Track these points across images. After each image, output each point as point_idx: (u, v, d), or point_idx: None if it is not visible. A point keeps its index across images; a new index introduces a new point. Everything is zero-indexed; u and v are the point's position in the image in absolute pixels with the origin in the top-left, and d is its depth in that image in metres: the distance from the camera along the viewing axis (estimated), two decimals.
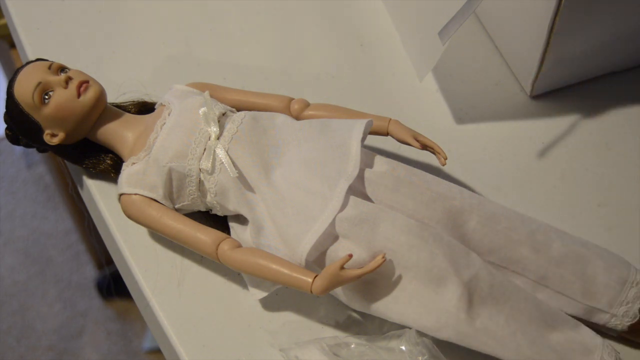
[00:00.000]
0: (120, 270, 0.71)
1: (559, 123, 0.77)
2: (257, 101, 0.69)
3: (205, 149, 0.63)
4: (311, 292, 0.58)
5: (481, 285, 0.59)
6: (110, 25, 0.83)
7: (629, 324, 0.63)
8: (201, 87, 0.69)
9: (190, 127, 0.64)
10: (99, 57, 0.80)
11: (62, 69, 0.67)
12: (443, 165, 0.64)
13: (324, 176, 0.61)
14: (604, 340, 0.61)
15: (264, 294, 0.64)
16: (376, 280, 0.60)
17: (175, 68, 0.80)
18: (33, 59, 0.72)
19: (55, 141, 0.66)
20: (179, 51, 0.81)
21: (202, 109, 0.64)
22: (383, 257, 0.58)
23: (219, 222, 0.67)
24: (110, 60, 0.80)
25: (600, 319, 0.63)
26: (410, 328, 0.60)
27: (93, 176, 0.72)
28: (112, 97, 0.72)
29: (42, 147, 0.69)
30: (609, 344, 0.61)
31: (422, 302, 0.59)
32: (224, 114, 0.65)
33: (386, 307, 0.60)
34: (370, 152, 0.64)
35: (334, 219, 0.59)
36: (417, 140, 0.65)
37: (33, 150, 0.76)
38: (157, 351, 1.48)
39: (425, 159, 0.74)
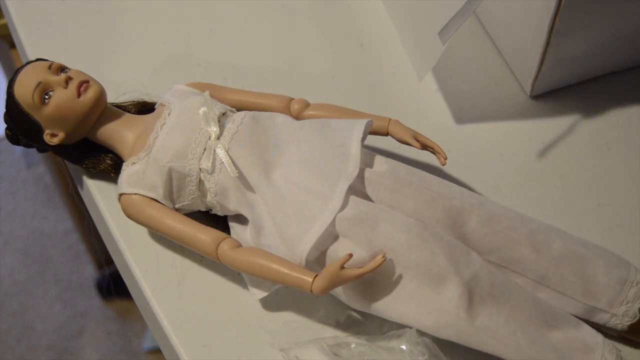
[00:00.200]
0: (120, 270, 0.71)
1: (559, 123, 0.77)
2: (257, 101, 0.69)
3: (205, 149, 0.63)
4: (311, 291, 0.58)
5: (481, 284, 0.59)
6: (110, 25, 0.83)
7: (629, 323, 0.63)
8: (201, 87, 0.69)
9: (190, 127, 0.64)
10: (99, 57, 0.80)
11: (62, 69, 0.67)
12: (443, 165, 0.64)
13: (324, 176, 0.61)
14: (605, 339, 0.61)
15: (264, 294, 0.64)
16: (376, 280, 0.60)
17: (175, 68, 0.80)
18: (33, 59, 0.72)
19: (55, 141, 0.66)
20: (179, 51, 0.81)
21: (202, 109, 0.64)
22: (383, 257, 0.58)
23: (219, 222, 0.67)
24: (110, 60, 0.80)
25: (601, 318, 0.63)
26: (410, 327, 0.60)
27: (93, 176, 0.72)
28: (112, 97, 0.72)
29: (42, 147, 0.69)
30: (610, 343, 0.61)
31: (422, 302, 0.59)
32: (224, 114, 0.65)
33: (386, 306, 0.60)
34: (370, 152, 0.64)
35: (334, 219, 0.59)
36: (417, 140, 0.65)
37: (33, 150, 0.76)
38: (157, 351, 1.48)
39: (425, 159, 0.74)
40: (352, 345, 0.61)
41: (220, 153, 0.62)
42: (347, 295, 0.61)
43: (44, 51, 0.80)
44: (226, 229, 0.66)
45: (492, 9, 0.80)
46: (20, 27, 0.83)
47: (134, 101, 0.72)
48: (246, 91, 0.70)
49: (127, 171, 0.65)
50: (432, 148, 0.65)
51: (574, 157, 0.75)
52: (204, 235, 0.63)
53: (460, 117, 0.78)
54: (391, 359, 0.60)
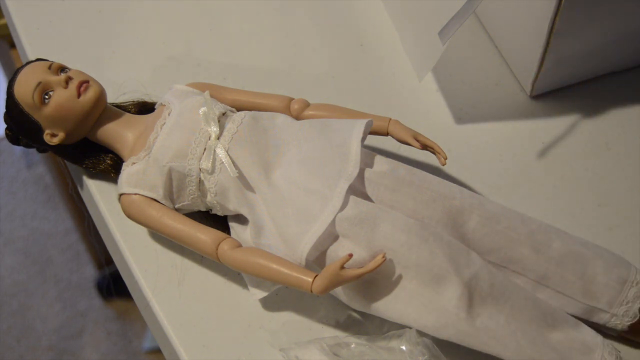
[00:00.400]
0: (120, 270, 0.71)
1: (559, 123, 0.77)
2: (257, 101, 0.69)
3: (205, 149, 0.63)
4: (311, 291, 0.58)
5: (481, 284, 0.59)
6: (110, 25, 0.83)
7: (629, 323, 0.63)
8: (201, 87, 0.69)
9: (190, 127, 0.64)
10: (99, 57, 0.80)
11: (62, 68, 0.67)
12: (443, 165, 0.64)
13: (324, 176, 0.61)
14: (604, 339, 0.61)
15: (264, 294, 0.64)
16: (376, 280, 0.60)
17: (175, 68, 0.80)
18: (33, 59, 0.72)
19: (55, 141, 0.66)
20: (179, 51, 0.81)
21: (202, 109, 0.64)
22: (383, 257, 0.58)
23: (219, 222, 0.67)
24: (110, 60, 0.81)
25: (601, 318, 0.63)
26: (410, 328, 0.60)
27: (93, 176, 0.72)
28: (112, 97, 0.72)
29: (42, 147, 0.69)
30: (609, 343, 0.61)
31: (422, 302, 0.59)
32: (224, 114, 0.65)
33: (386, 306, 0.60)
34: (370, 152, 0.64)
35: (334, 219, 0.59)
36: (417, 140, 0.65)
37: (33, 150, 0.76)
38: (157, 351, 1.48)
39: (425, 159, 0.74)
40: (352, 345, 0.61)
41: (220, 153, 0.62)
42: (347, 295, 0.61)
43: (44, 51, 0.80)
44: (226, 229, 0.66)
45: (492, 9, 0.80)
46: (20, 27, 0.83)
47: (134, 101, 0.72)
48: (246, 91, 0.70)
49: (127, 171, 0.65)
50: (432, 148, 0.65)
51: (574, 157, 0.75)
52: (204, 235, 0.63)
53: (460, 117, 0.78)
54: (391, 359, 0.60)
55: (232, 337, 0.64)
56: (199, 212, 0.67)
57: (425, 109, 0.78)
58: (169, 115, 0.65)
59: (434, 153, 0.65)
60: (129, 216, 0.65)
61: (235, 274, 0.67)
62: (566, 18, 0.69)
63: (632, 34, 0.75)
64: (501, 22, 0.79)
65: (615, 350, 0.61)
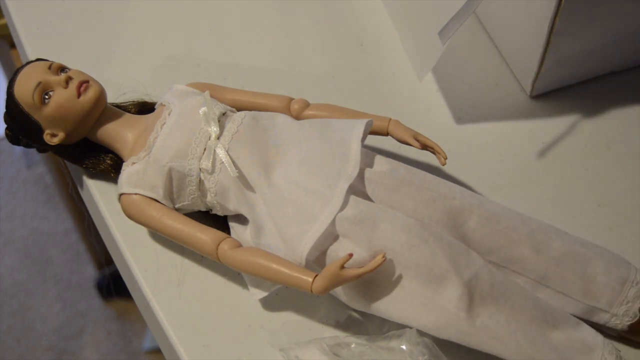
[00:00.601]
0: (120, 270, 0.71)
1: (559, 123, 0.77)
2: (257, 101, 0.69)
3: (205, 149, 0.63)
4: (311, 291, 0.58)
5: (481, 284, 0.59)
6: (110, 25, 0.83)
7: (629, 323, 0.63)
8: (201, 87, 0.69)
9: (190, 126, 0.64)
10: (99, 57, 0.80)
11: (62, 68, 0.67)
12: (443, 165, 0.64)
13: (324, 176, 0.61)
14: (604, 339, 0.61)
15: (264, 294, 0.64)
16: (376, 280, 0.60)
17: (175, 68, 0.80)
18: (33, 59, 0.72)
19: (55, 141, 0.66)
20: (179, 51, 0.81)
21: (203, 109, 0.64)
22: (383, 257, 0.58)
23: (219, 222, 0.67)
24: (110, 60, 0.81)
25: (601, 318, 0.63)
26: (410, 327, 0.60)
27: (93, 176, 0.72)
28: (112, 97, 0.72)
29: (42, 147, 0.69)
30: (609, 343, 0.61)
31: (422, 302, 0.59)
32: (224, 114, 0.65)
33: (386, 306, 0.60)
34: (370, 152, 0.64)
35: (334, 219, 0.59)
36: (417, 140, 0.65)
37: (33, 150, 0.76)
38: (157, 351, 1.48)
39: (425, 159, 0.74)
40: (352, 345, 0.61)
41: (221, 153, 0.62)
42: (347, 295, 0.61)
43: (44, 51, 0.80)
44: (226, 229, 0.66)
45: (492, 9, 0.80)
46: (20, 27, 0.83)
47: (134, 101, 0.72)
48: (246, 91, 0.70)
49: (127, 171, 0.65)
50: (432, 148, 0.65)
51: (574, 157, 0.75)
52: (204, 235, 0.63)
53: (460, 117, 0.78)
54: (391, 359, 0.60)
55: (232, 337, 0.64)
56: (199, 212, 0.67)
57: (425, 109, 0.78)
58: (169, 115, 0.65)
59: (434, 153, 0.65)
60: (129, 216, 0.65)
61: (235, 274, 0.67)
62: (566, 18, 0.69)
63: (632, 34, 0.75)
64: (501, 22, 0.79)
65: (615, 350, 0.61)
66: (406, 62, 0.81)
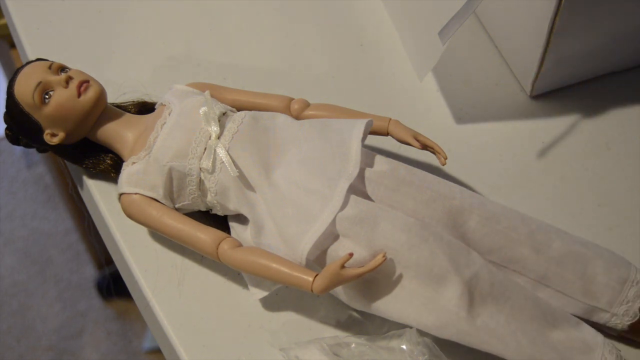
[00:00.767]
0: (120, 270, 0.71)
1: (559, 123, 0.77)
2: (257, 101, 0.69)
3: (205, 149, 0.63)
4: (312, 291, 0.58)
5: (482, 283, 0.59)
6: (110, 25, 0.83)
7: (629, 323, 0.63)
8: (201, 87, 0.69)
9: (190, 126, 0.64)
10: (99, 57, 0.80)
11: (62, 68, 0.67)
12: (443, 165, 0.64)
13: (324, 176, 0.61)
14: (605, 339, 0.61)
15: (264, 294, 0.64)
16: (377, 280, 0.60)
17: (175, 68, 0.80)
18: (33, 59, 0.72)
19: (55, 141, 0.66)
20: (179, 51, 0.81)
21: (203, 109, 0.64)
22: (383, 256, 0.58)
23: (219, 221, 0.67)
24: (110, 60, 0.81)
25: (601, 318, 0.63)
26: (410, 327, 0.60)
27: (93, 176, 0.72)
28: (112, 97, 0.72)
29: (42, 147, 0.69)
30: (610, 342, 0.61)
31: (422, 301, 0.59)
32: (224, 114, 0.65)
33: (387, 306, 0.60)
34: (370, 152, 0.64)
35: (334, 218, 0.59)
36: (417, 140, 0.65)
37: (33, 150, 0.76)
38: (157, 351, 1.48)
39: (425, 159, 0.74)
40: (352, 345, 0.61)
41: (221, 153, 0.62)
42: (348, 295, 0.61)
43: (44, 51, 0.80)
44: (226, 229, 0.66)
45: (492, 9, 0.80)
46: (20, 27, 0.83)
47: (134, 101, 0.72)
48: (246, 91, 0.70)
49: (127, 171, 0.65)
50: (432, 148, 0.65)
51: (574, 157, 0.75)
52: (204, 234, 0.63)
53: (460, 117, 0.78)
54: (391, 359, 0.60)
55: (232, 337, 0.64)
56: (199, 212, 0.67)
57: (425, 109, 0.78)
58: (169, 115, 0.65)
59: (434, 153, 0.65)
60: (129, 216, 0.65)
61: (235, 274, 0.67)
62: (566, 18, 0.69)
63: (632, 34, 0.75)
64: (501, 22, 0.79)
65: (615, 350, 0.61)
66: (406, 62, 0.81)
